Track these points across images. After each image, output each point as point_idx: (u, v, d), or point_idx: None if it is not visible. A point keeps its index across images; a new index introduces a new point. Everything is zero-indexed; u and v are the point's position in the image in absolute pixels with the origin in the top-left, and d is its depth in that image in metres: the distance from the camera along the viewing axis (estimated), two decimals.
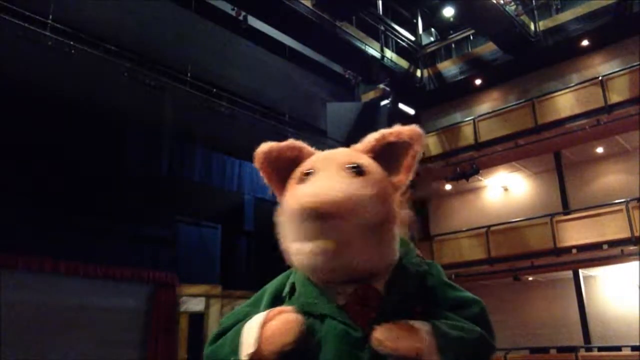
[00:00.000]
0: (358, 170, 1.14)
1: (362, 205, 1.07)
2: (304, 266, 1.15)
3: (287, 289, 1.27)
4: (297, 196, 1.09)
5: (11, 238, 7.89)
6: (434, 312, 1.18)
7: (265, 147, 1.25)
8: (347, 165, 1.15)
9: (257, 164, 1.26)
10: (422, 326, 1.11)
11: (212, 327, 10.17)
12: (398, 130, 1.21)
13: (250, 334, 1.13)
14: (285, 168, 1.24)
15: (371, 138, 1.24)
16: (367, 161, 1.19)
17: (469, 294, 1.27)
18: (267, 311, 1.17)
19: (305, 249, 1.08)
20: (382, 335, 1.08)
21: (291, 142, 1.26)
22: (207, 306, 10.30)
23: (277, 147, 1.25)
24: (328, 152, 1.25)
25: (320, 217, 1.02)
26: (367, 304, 1.14)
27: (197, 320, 10.21)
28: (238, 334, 1.17)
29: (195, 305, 10.26)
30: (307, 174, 1.17)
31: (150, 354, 9.63)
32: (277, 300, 1.27)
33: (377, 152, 1.22)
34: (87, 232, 9.21)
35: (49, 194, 8.49)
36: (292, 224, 1.09)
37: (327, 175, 1.13)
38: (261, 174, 1.26)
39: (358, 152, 1.23)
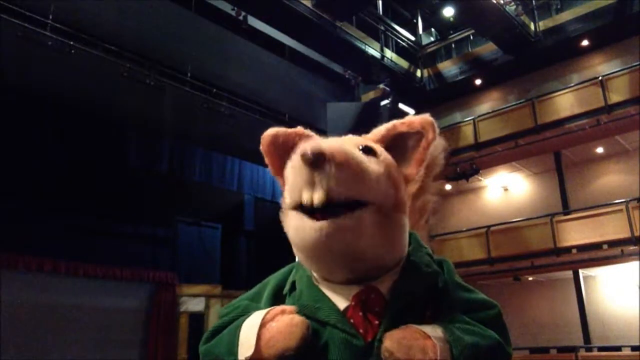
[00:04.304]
0: (369, 151, 1.08)
1: (373, 178, 1.00)
2: (303, 241, 1.03)
3: (287, 287, 1.18)
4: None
5: (11, 238, 7.90)
6: (445, 315, 1.09)
7: (272, 130, 1.20)
8: (358, 146, 1.08)
9: (262, 147, 1.20)
10: (435, 332, 1.01)
11: None
12: (410, 119, 1.16)
13: (248, 335, 1.04)
14: (289, 155, 1.13)
15: (382, 128, 1.19)
16: (377, 147, 1.12)
17: (483, 296, 1.20)
18: (267, 310, 1.07)
19: (306, 224, 0.99)
20: (393, 346, 0.98)
21: (300, 129, 1.21)
22: (207, 306, 10.31)
23: (284, 132, 1.20)
24: (336, 137, 1.16)
25: (322, 163, 0.94)
26: (370, 309, 1.05)
27: (197, 320, 10.21)
28: (235, 334, 1.08)
29: (195, 305, 10.26)
30: None
31: (150, 354, 9.64)
32: (277, 296, 1.18)
33: (388, 143, 1.16)
34: (87, 232, 9.23)
35: (48, 193, 8.49)
36: (291, 177, 1.01)
37: None
38: (265, 158, 1.20)
39: (368, 139, 1.17)
